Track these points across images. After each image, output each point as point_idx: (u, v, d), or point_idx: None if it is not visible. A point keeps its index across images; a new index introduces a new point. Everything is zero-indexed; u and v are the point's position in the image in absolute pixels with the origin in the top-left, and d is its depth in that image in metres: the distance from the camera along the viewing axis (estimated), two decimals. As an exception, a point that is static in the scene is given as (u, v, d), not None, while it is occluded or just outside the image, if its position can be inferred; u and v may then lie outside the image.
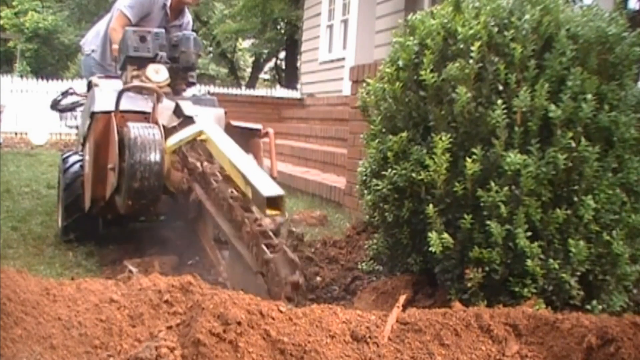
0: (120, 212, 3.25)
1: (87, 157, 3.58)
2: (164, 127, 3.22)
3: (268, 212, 2.33)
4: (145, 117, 3.31)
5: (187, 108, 3.39)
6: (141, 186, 2.99)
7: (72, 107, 4.64)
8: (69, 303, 1.98)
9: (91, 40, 4.87)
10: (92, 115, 3.45)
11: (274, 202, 2.32)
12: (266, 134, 3.63)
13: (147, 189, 3.01)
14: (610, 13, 2.57)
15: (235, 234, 2.63)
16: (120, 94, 3.30)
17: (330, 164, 6.36)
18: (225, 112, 3.67)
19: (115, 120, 3.25)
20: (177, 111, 3.41)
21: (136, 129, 3.03)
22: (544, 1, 2.51)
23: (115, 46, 4.22)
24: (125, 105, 3.33)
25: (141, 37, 3.63)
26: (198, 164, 3.16)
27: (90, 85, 4.36)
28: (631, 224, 2.40)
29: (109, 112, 3.32)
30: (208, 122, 3.23)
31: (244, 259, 2.50)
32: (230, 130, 3.53)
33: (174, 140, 3.19)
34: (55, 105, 4.72)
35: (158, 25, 4.49)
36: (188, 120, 3.29)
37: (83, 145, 3.78)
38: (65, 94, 4.65)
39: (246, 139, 3.55)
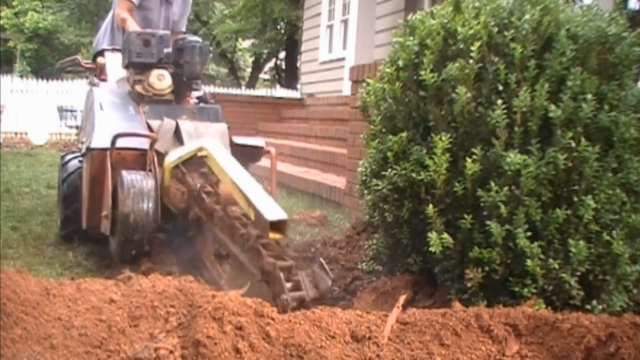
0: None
1: (84, 175, 3.48)
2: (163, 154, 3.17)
3: (271, 235, 2.33)
4: (142, 154, 3.21)
5: (187, 133, 3.32)
6: (132, 238, 2.95)
7: (75, 71, 5.11)
8: (69, 303, 1.99)
9: (103, 38, 4.85)
10: (88, 150, 3.33)
11: (277, 227, 2.32)
12: (267, 153, 3.55)
13: (138, 242, 2.98)
14: (610, 13, 2.57)
15: (237, 247, 2.62)
16: (115, 138, 3.16)
17: (330, 164, 6.36)
18: (229, 127, 3.56)
19: (110, 160, 3.14)
20: (177, 134, 3.35)
21: (130, 181, 2.95)
22: (544, 1, 2.51)
23: (123, 15, 4.21)
24: (122, 142, 3.19)
25: (145, 42, 3.54)
26: (197, 182, 3.12)
27: (95, 58, 4.37)
28: (631, 224, 2.40)
29: (104, 150, 3.18)
30: (209, 139, 3.16)
31: (247, 270, 2.49)
32: (232, 147, 3.44)
33: (174, 156, 3.14)
34: (61, 69, 5.15)
35: (160, 2, 4.52)
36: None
37: (83, 154, 3.65)
38: (71, 61, 4.82)
39: (248, 155, 3.46)
